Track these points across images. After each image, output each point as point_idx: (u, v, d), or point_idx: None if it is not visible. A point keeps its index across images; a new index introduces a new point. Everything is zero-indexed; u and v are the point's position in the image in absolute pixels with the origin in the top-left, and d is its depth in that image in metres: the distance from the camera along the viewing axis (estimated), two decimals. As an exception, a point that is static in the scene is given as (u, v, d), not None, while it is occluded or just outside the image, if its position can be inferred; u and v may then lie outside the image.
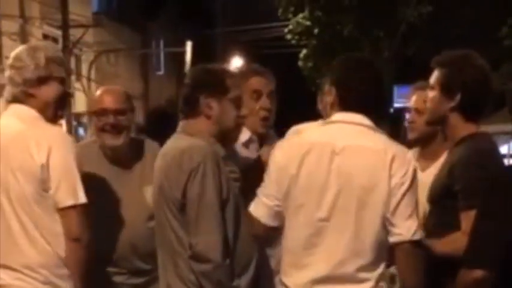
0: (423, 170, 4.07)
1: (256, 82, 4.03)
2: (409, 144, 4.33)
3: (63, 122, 23.78)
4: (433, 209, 3.43)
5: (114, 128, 3.95)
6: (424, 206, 3.51)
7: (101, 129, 3.96)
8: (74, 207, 3.30)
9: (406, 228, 3.09)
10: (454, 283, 2.99)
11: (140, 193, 3.95)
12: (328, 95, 3.35)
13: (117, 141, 3.95)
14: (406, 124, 4.27)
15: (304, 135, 3.38)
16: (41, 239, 3.30)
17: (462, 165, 3.27)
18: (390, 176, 3.10)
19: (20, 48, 3.56)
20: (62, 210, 3.29)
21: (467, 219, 3.19)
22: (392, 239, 3.11)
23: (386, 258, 3.17)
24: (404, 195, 3.10)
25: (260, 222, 3.35)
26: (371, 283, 3.12)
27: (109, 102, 3.99)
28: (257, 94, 4.01)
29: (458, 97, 3.36)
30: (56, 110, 3.54)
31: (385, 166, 3.10)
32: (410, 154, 3.19)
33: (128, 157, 4.02)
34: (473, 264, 2.88)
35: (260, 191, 3.35)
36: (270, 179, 3.31)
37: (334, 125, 3.25)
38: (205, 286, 3.33)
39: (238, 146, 3.91)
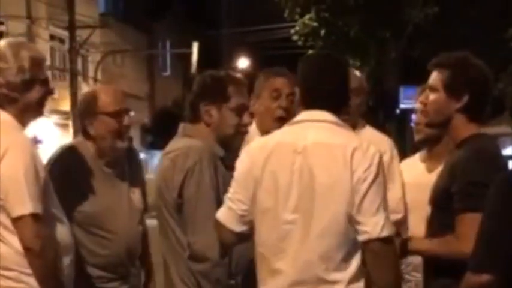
0: (430, 171, 4.05)
1: (277, 82, 4.03)
2: (416, 146, 4.33)
3: (70, 122, 23.86)
4: (435, 211, 3.40)
5: (127, 130, 3.84)
6: (427, 207, 3.50)
7: (118, 132, 3.77)
8: (22, 217, 3.21)
9: (372, 225, 2.97)
10: (458, 286, 2.97)
11: (130, 197, 3.88)
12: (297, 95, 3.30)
13: (124, 144, 3.83)
14: (412, 125, 4.25)
15: (268, 137, 3.29)
16: (9, 238, 3.26)
17: (462, 167, 3.25)
18: (352, 172, 2.99)
19: (2, 45, 3.43)
20: (13, 220, 3.23)
21: (461, 222, 3.16)
22: (359, 238, 2.99)
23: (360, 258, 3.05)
24: (367, 190, 2.98)
25: (226, 227, 3.21)
26: (342, 284, 3.01)
27: (124, 102, 3.86)
28: (277, 93, 4.00)
29: (466, 98, 3.34)
30: (37, 110, 3.45)
31: (346, 162, 3.00)
32: (375, 148, 3.09)
33: (122, 160, 3.89)
34: (478, 268, 2.86)
35: (227, 197, 3.23)
36: (237, 184, 3.20)
37: (298, 124, 3.17)
38: (204, 286, 3.35)
39: None
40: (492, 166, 3.24)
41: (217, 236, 3.28)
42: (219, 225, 3.24)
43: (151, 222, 3.93)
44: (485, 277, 2.82)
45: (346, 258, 3.02)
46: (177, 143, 3.53)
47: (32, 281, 3.26)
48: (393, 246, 3.05)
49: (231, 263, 3.43)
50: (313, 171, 3.03)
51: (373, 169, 3.01)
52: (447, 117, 3.39)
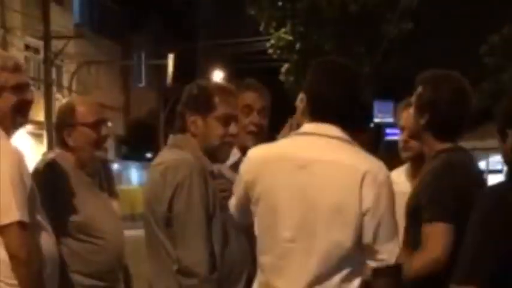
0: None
1: (247, 97, 3.92)
2: (387, 160, 4.34)
3: (44, 133, 23.72)
4: (409, 226, 3.43)
5: (105, 140, 3.85)
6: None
7: (96, 142, 3.80)
8: (9, 225, 3.18)
9: (387, 253, 2.85)
10: None
11: (111, 204, 3.92)
12: (300, 103, 3.08)
13: (101, 153, 3.86)
14: (400, 144, 4.18)
15: (270, 146, 3.10)
16: None
17: (430, 178, 3.30)
18: (362, 196, 2.80)
19: None
20: None
21: (425, 234, 3.20)
22: (373, 264, 2.87)
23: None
24: (382, 218, 2.83)
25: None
26: None
27: (101, 112, 3.87)
28: (248, 109, 3.90)
29: (426, 116, 3.42)
30: (14, 118, 3.35)
31: (355, 184, 2.80)
32: (386, 170, 2.92)
33: (99, 170, 3.93)
34: (462, 281, 2.86)
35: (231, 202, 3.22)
36: (238, 193, 3.11)
37: (303, 136, 2.96)
38: None
39: (225, 169, 3.77)
40: (461, 174, 3.30)
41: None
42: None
43: (128, 233, 3.96)
44: None
45: (346, 281, 2.86)
46: (166, 155, 3.51)
47: None
48: (401, 272, 2.93)
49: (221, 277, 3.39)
50: (318, 190, 2.85)
51: (385, 194, 2.85)
52: (417, 133, 3.47)
